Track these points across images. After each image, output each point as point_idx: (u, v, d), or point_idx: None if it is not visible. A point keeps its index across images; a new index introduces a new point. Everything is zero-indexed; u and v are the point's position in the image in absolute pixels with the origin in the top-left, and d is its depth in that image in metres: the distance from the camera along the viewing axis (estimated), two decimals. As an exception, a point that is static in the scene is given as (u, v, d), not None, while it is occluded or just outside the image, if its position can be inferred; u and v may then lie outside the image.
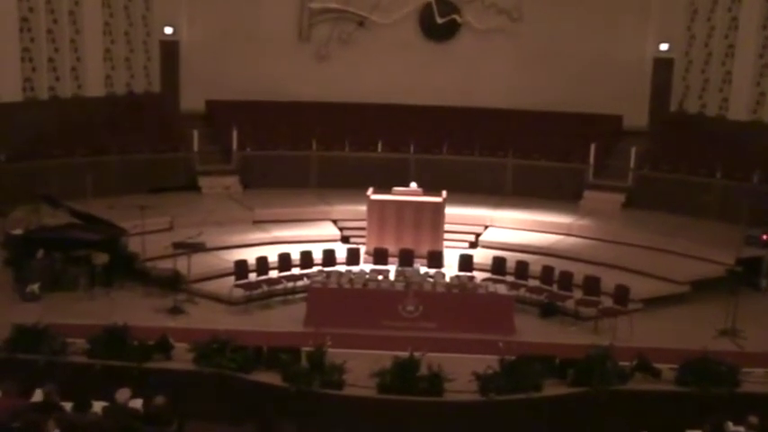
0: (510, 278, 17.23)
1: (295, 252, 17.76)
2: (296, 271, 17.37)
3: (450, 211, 19.48)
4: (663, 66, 23.64)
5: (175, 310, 15.96)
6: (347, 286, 15.88)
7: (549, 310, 16.50)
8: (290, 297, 16.92)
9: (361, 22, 24.46)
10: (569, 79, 23.61)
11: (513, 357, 13.17)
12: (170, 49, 24.03)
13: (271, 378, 13.12)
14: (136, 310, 15.60)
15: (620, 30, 23.85)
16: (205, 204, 20.99)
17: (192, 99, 23.95)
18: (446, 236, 19.20)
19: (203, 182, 21.97)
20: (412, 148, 22.77)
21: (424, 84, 23.87)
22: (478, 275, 17.39)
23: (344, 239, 19.81)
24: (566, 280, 16.89)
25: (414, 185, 19.56)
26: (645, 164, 21.90)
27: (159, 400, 10.96)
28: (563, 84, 23.60)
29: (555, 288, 16.89)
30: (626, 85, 23.53)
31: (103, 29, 22.57)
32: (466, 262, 17.96)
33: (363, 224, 19.34)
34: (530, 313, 16.53)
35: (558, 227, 20.23)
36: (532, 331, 15.66)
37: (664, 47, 23.65)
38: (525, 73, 23.91)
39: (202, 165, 22.24)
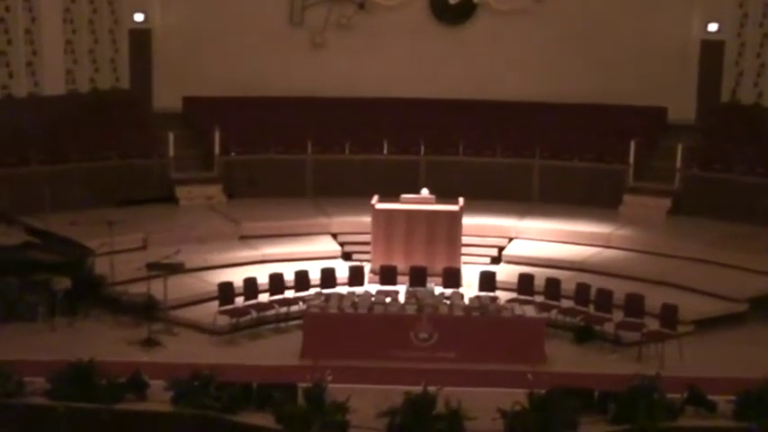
0: (539, 298, 17.22)
1: (288, 272, 17.73)
2: (290, 294, 17.35)
3: (469, 221, 19.47)
4: (712, 49, 23.64)
5: (150, 342, 15.91)
6: (350, 311, 15.83)
7: (585, 335, 16.45)
8: (283, 325, 16.90)
9: (362, 4, 24.52)
10: (604, 67, 23.64)
11: (543, 391, 13.13)
12: (141, 39, 24.10)
13: (262, 419, 13.06)
14: (104, 343, 15.58)
15: (661, 9, 23.86)
16: (183, 218, 21.02)
17: (166, 96, 24.01)
18: (464, 250, 19.24)
19: (181, 192, 21.98)
20: (422, 149, 22.79)
21: (435, 75, 23.93)
22: (502, 296, 17.36)
23: (346, 256, 19.83)
24: (604, 299, 16.83)
25: (425, 192, 19.56)
26: (693, 163, 21.88)
27: (132, 447, 10.94)
28: (597, 72, 23.62)
29: (591, 309, 16.84)
30: (670, 73, 23.55)
31: (63, 16, 22.61)
32: (487, 280, 17.93)
33: (368, 238, 19.34)
34: (563, 339, 16.50)
35: (594, 238, 20.21)
36: (566, 360, 15.66)
37: (712, 27, 23.67)
38: (553, 60, 23.93)
39: (180, 172, 22.26)
